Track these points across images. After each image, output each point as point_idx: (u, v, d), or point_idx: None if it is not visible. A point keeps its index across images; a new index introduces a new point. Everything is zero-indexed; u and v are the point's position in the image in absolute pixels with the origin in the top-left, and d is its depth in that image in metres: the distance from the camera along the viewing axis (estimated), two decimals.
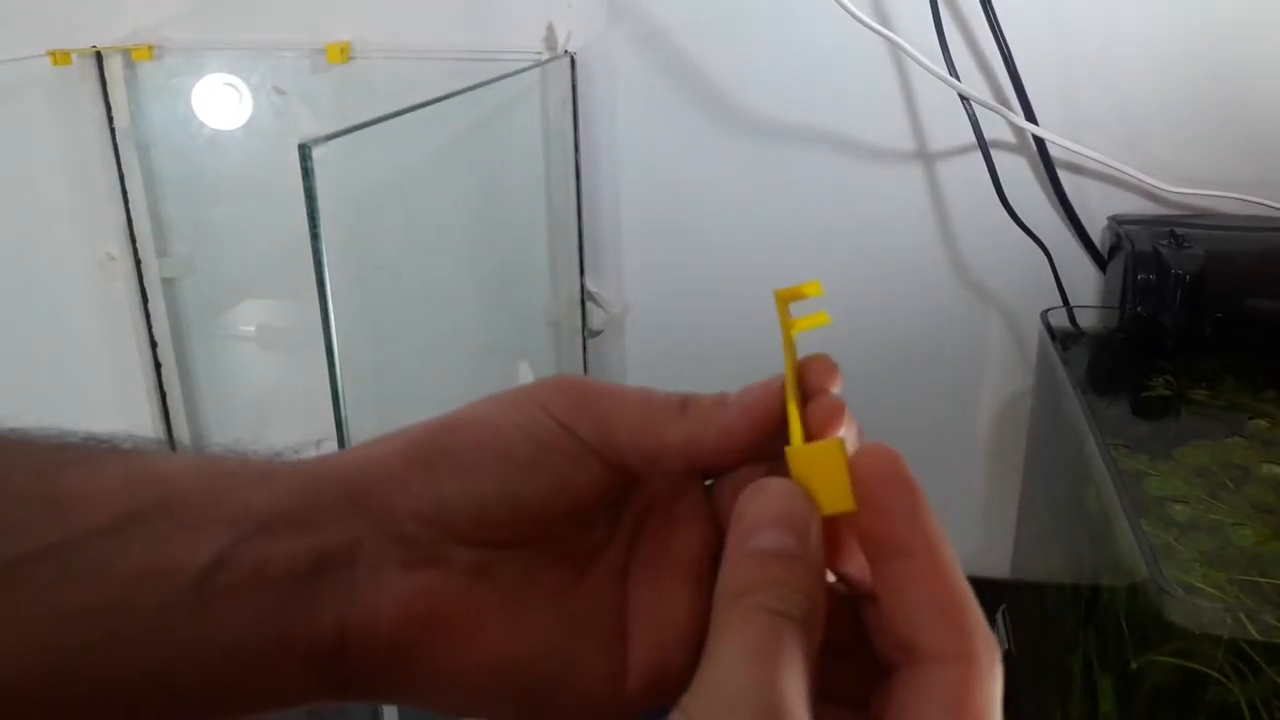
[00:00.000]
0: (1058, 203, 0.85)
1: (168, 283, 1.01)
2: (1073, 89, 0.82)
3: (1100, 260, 0.86)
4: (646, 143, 0.90)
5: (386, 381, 0.91)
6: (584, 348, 0.98)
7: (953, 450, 0.95)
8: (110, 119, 0.94)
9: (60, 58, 0.89)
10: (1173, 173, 0.82)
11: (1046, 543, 0.77)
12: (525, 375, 1.03)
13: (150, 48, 0.93)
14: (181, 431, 1.06)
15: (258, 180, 0.98)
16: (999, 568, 0.93)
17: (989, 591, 0.92)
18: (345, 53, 0.90)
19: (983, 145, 0.82)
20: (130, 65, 0.93)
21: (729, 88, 0.88)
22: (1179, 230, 0.76)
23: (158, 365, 1.03)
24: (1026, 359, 0.90)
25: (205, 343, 1.05)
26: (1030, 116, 0.82)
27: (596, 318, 0.97)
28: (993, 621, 0.87)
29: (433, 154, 0.89)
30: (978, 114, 0.81)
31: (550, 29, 0.89)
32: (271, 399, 1.08)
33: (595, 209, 0.93)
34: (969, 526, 0.97)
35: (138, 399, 1.04)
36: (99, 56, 0.92)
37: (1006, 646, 0.83)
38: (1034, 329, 0.82)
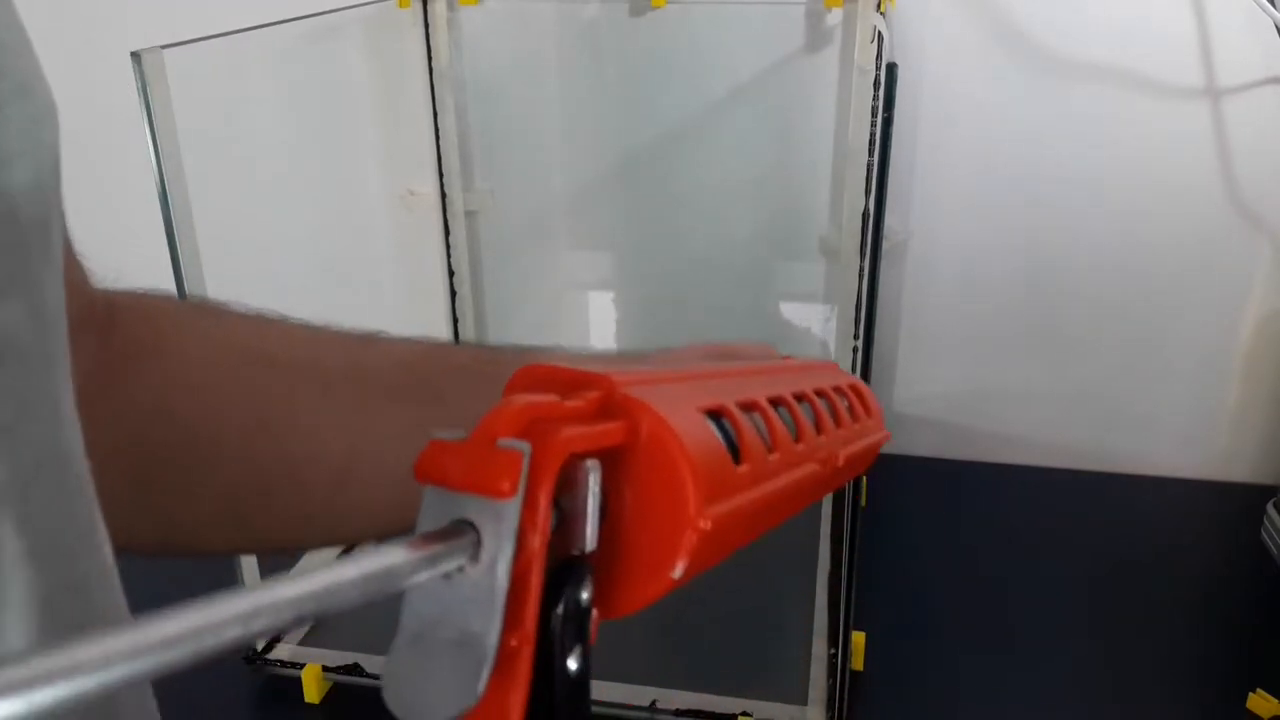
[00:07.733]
0: None
1: (470, 215, 1.07)
2: None
3: None
4: (945, 77, 0.97)
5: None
6: (860, 274, 1.04)
7: (1209, 359, 1.03)
8: (430, 60, 1.00)
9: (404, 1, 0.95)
10: None
11: None
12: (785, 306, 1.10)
13: None
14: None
15: (551, 121, 1.04)
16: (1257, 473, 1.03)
17: (1246, 494, 1.01)
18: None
19: None
20: (454, 9, 0.98)
21: (1028, 25, 0.94)
22: None
23: (453, 294, 1.10)
24: None
25: (498, 274, 1.12)
26: None
27: None
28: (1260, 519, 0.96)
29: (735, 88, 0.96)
30: None
31: None
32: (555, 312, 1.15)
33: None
34: (1217, 432, 1.06)
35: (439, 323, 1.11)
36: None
37: None
38: None
